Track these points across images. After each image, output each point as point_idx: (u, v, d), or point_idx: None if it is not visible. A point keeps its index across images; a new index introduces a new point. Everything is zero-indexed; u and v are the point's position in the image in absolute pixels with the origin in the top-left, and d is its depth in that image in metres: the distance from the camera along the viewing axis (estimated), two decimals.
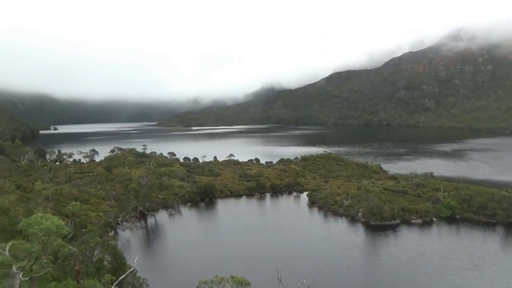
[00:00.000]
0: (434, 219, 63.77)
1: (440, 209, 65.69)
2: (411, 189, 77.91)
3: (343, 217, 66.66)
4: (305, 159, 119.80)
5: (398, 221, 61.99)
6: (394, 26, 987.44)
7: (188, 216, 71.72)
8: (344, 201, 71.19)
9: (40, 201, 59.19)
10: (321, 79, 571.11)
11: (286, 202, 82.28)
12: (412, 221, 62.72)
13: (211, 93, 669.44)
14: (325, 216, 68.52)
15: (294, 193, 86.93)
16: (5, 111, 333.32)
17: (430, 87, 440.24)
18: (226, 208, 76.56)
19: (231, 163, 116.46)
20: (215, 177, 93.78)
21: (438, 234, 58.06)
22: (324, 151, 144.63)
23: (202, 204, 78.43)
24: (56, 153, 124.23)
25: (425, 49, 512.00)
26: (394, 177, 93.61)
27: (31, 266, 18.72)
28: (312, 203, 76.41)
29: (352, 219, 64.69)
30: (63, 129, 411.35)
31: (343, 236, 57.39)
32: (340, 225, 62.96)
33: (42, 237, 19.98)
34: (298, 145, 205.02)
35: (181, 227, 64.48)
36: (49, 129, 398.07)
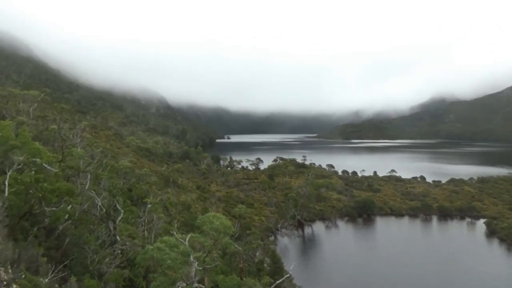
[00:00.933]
0: None
1: None
2: None
3: None
4: (482, 180, 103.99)
5: None
6: None
7: (344, 230, 70.53)
8: None
9: (213, 201, 67.40)
10: (507, 88, 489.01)
11: (457, 228, 72.61)
12: None
13: (373, 105, 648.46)
14: (509, 250, 57.76)
15: (468, 219, 76.12)
16: (191, 122, 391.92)
17: None
18: (385, 227, 72.33)
19: (393, 179, 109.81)
20: (374, 193, 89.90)
21: None
22: (509, 173, 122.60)
23: (359, 220, 76.05)
24: (228, 160, 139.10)
25: None
26: None
27: (204, 257, 21.25)
28: (491, 233, 65.47)
29: None
30: (235, 138, 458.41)
31: None
32: None
33: (214, 234, 22.49)
34: (474, 164, 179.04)
35: (336, 241, 63.81)
36: (223, 138, 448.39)
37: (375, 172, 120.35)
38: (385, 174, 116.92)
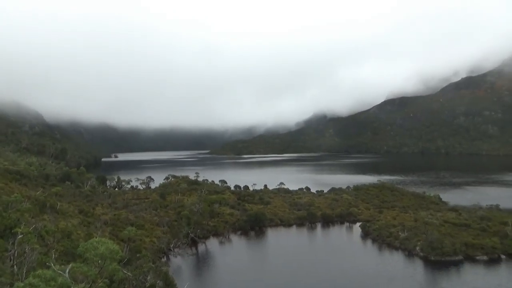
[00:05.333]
0: (503, 256, 58.36)
1: (509, 245, 60.05)
2: (475, 222, 72.31)
3: (399, 250, 63.10)
4: (357, 188, 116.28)
5: (461, 257, 57.34)
6: (447, 51, 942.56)
7: (238, 244, 71.68)
8: (400, 233, 67.60)
9: (99, 225, 62.29)
10: (373, 106, 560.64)
11: (338, 232, 79.77)
12: (477, 257, 57.87)
13: (265, 122, 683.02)
14: (380, 249, 65.31)
15: (346, 224, 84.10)
16: (73, 140, 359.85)
17: (493, 113, 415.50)
18: (275, 237, 75.64)
19: (282, 192, 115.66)
20: (265, 206, 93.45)
21: (508, 273, 53.02)
22: (378, 180, 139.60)
23: (252, 233, 78.14)
24: (116, 180, 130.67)
25: (485, 73, 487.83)
26: (455, 209, 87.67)
27: None
28: (365, 235, 73.38)
29: (409, 253, 61.01)
30: (123, 156, 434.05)
31: (401, 271, 54.19)
32: (396, 259, 59.63)
33: (99, 261, 20.82)
34: (350, 173, 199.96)
35: (230, 256, 64.44)
36: (110, 156, 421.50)
37: (265, 186, 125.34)
38: (275, 187, 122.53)
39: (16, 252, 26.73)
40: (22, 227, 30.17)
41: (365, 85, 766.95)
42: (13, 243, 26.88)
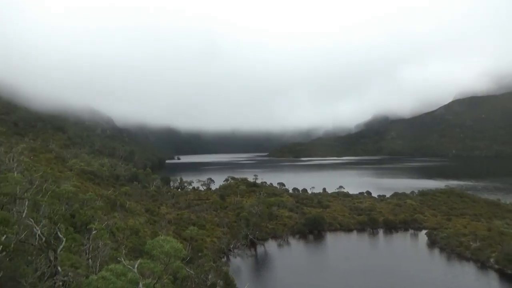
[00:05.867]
0: None
1: None
2: None
3: (471, 261, 58.74)
4: (423, 193, 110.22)
5: None
6: None
7: (296, 248, 71.17)
8: (471, 243, 62.93)
9: (164, 224, 65.32)
10: (440, 107, 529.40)
11: (402, 240, 76.04)
12: None
13: (324, 125, 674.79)
14: (448, 259, 61.27)
15: (411, 231, 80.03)
16: (140, 142, 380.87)
17: None
18: (335, 242, 73.98)
19: (341, 195, 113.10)
20: (324, 209, 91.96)
21: None
22: (445, 186, 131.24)
23: (310, 237, 77.20)
24: (179, 181, 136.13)
25: None
26: None
27: (154, 284, 20.43)
28: (432, 243, 69.27)
29: (482, 265, 56.57)
30: (185, 158, 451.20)
31: (472, 283, 50.40)
32: (467, 270, 55.58)
33: (164, 258, 21.76)
34: (414, 178, 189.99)
35: (289, 259, 64.11)
36: (173, 158, 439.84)
37: (324, 189, 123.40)
38: (334, 190, 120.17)
39: (90, 246, 28.75)
40: (96, 224, 32.43)
41: (430, 85, 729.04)
42: (88, 238, 28.95)
